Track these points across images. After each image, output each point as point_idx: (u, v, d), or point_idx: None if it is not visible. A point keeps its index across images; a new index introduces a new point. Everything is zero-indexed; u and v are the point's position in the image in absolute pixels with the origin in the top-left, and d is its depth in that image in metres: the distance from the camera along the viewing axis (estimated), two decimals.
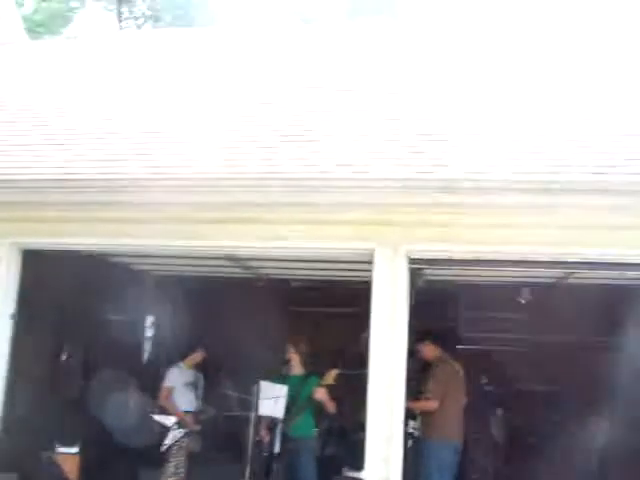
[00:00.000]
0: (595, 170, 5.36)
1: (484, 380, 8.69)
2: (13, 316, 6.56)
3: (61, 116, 7.22)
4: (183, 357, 8.23)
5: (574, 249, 5.71)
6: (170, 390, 7.99)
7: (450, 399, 7.02)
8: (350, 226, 5.96)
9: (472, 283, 8.16)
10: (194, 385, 8.13)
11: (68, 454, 7.04)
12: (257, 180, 5.77)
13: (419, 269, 6.60)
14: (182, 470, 7.65)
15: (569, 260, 5.98)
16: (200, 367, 8.26)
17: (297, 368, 7.54)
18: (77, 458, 7.05)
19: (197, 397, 8.13)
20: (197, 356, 8.19)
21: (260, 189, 5.78)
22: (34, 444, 7.21)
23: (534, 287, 8.09)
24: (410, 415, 7.04)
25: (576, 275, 7.14)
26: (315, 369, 7.46)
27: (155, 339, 10.02)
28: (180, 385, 8.03)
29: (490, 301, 8.42)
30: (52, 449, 7.06)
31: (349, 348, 8.04)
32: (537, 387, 8.90)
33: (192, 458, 7.51)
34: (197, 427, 7.97)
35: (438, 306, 8.14)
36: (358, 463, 5.99)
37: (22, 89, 8.33)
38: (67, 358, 8.35)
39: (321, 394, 7.21)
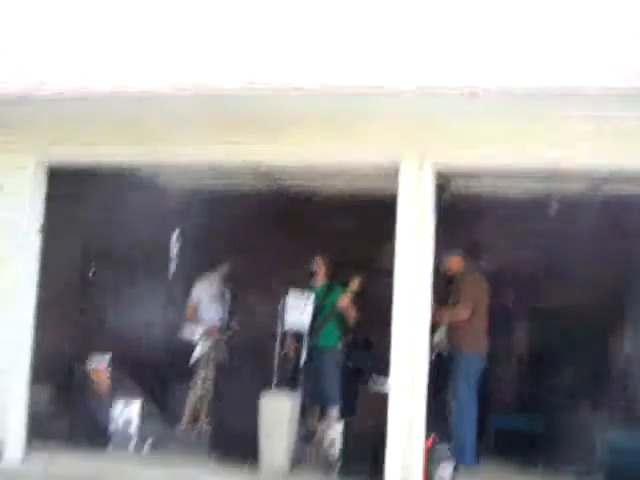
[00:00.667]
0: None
1: (508, 294, 8.68)
2: (41, 230, 6.64)
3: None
4: (209, 271, 8.29)
5: (607, 160, 5.63)
6: (196, 303, 8.10)
7: (477, 310, 7.04)
8: (375, 138, 5.91)
9: (499, 197, 8.08)
10: (221, 298, 8.22)
11: (99, 367, 7.18)
12: (277, 91, 5.67)
13: (445, 182, 6.57)
14: (210, 382, 7.81)
15: (600, 171, 5.91)
16: (226, 280, 8.32)
17: (322, 280, 7.64)
18: (107, 371, 7.20)
19: (224, 310, 8.23)
20: (222, 269, 8.25)
21: (281, 100, 5.71)
22: (66, 358, 7.41)
23: (563, 200, 7.99)
24: (436, 326, 7.11)
25: (607, 187, 7.05)
26: (339, 281, 7.51)
27: (181, 254, 10.09)
28: (206, 298, 8.13)
29: (517, 215, 8.35)
30: (83, 363, 7.20)
31: (374, 261, 8.05)
32: (562, 302, 8.88)
33: (219, 370, 7.64)
34: (224, 339, 8.10)
35: (464, 220, 8.08)
36: (384, 374, 6.08)
37: None
38: (94, 274, 8.44)
39: (344, 301, 7.31)
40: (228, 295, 8.34)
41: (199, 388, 7.93)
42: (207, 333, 7.97)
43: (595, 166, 5.81)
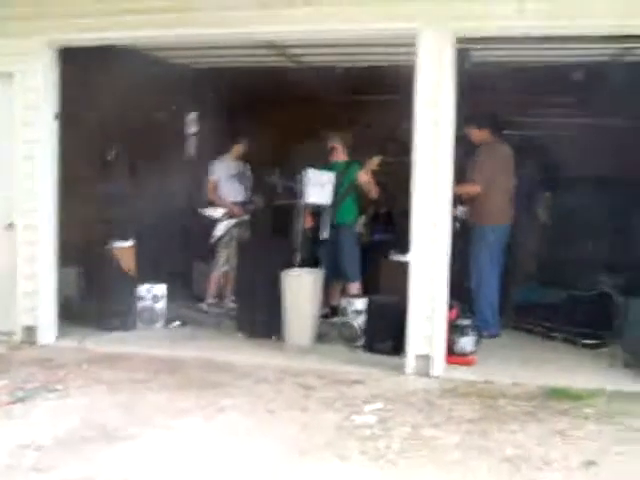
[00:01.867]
0: None
1: (532, 164, 8.55)
2: (57, 115, 6.57)
3: None
4: (226, 149, 8.22)
5: (634, 21, 5.37)
6: (216, 182, 8.08)
7: (498, 183, 6.93)
8: (395, 5, 5.68)
9: (521, 65, 7.83)
10: (240, 176, 8.19)
11: (123, 247, 7.26)
12: None
13: (466, 49, 6.34)
14: (233, 260, 7.90)
15: (627, 34, 5.66)
16: (245, 158, 8.26)
17: (341, 156, 7.55)
18: (132, 251, 7.28)
19: (244, 188, 8.22)
20: (240, 147, 8.17)
21: None
22: (91, 240, 7.48)
23: (587, 67, 7.72)
24: (459, 200, 7.06)
25: (634, 52, 6.78)
26: (358, 157, 7.43)
27: (199, 133, 10.00)
28: (225, 177, 8.10)
29: (540, 83, 8.11)
30: (108, 243, 7.28)
31: (393, 135, 7.91)
32: (585, 172, 8.75)
33: (242, 247, 7.70)
34: (246, 217, 8.13)
35: (486, 90, 7.85)
36: (405, 247, 6.09)
37: None
38: (114, 156, 8.41)
39: (364, 177, 7.25)
40: (248, 173, 8.30)
41: (222, 266, 8.04)
42: (229, 212, 7.99)
43: (624, 28, 5.54)
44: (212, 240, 7.96)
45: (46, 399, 5.02)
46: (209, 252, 8.09)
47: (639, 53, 6.82)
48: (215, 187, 8.08)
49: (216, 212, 7.95)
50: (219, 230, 7.93)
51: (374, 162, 7.22)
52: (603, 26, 5.49)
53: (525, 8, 5.39)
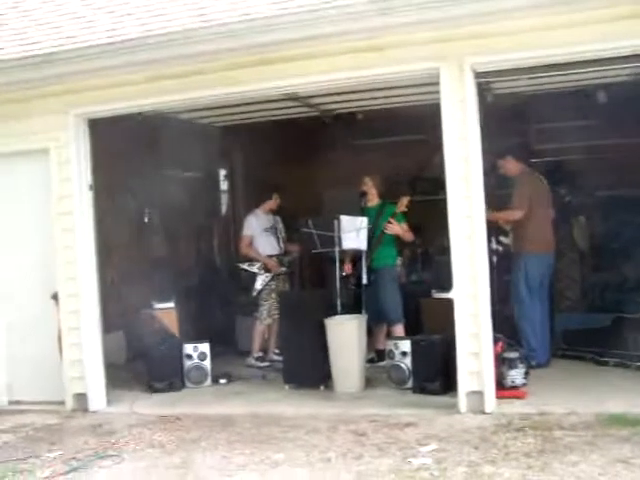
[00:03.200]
0: None
1: (563, 191, 8.52)
2: (91, 187, 6.72)
3: None
4: (258, 204, 8.32)
5: None
6: (250, 238, 8.14)
7: (539, 210, 6.93)
8: (411, 47, 5.76)
9: (542, 93, 7.85)
10: (273, 229, 8.26)
11: (165, 309, 7.34)
12: (307, 13, 5.59)
13: (486, 83, 6.39)
14: (275, 312, 7.93)
15: None
16: (277, 211, 8.34)
17: (374, 199, 7.60)
18: (174, 312, 7.35)
19: (279, 240, 8.28)
20: (272, 201, 8.25)
21: (311, 22, 5.62)
22: (134, 304, 7.58)
23: (607, 89, 7.71)
24: (502, 232, 7.05)
25: None
26: (391, 199, 7.47)
27: (230, 191, 10.14)
28: (259, 231, 8.16)
29: (562, 109, 8.11)
30: (150, 307, 7.36)
31: (423, 174, 7.97)
32: (618, 192, 8.69)
33: (283, 298, 7.71)
34: (282, 269, 8.18)
35: (509, 121, 7.90)
36: (445, 285, 6.07)
37: None
38: (149, 219, 8.55)
39: (392, 229, 7.29)
40: (281, 226, 8.38)
41: (265, 318, 8.06)
42: (265, 266, 8.04)
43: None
44: (253, 294, 8.00)
45: (101, 466, 5.04)
46: (251, 306, 8.12)
47: None
48: (250, 242, 8.14)
49: (253, 266, 8.00)
50: (258, 284, 7.98)
51: (403, 203, 7.25)
52: (624, 47, 5.49)
53: (528, 42, 5.44)
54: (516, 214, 6.89)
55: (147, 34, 6.05)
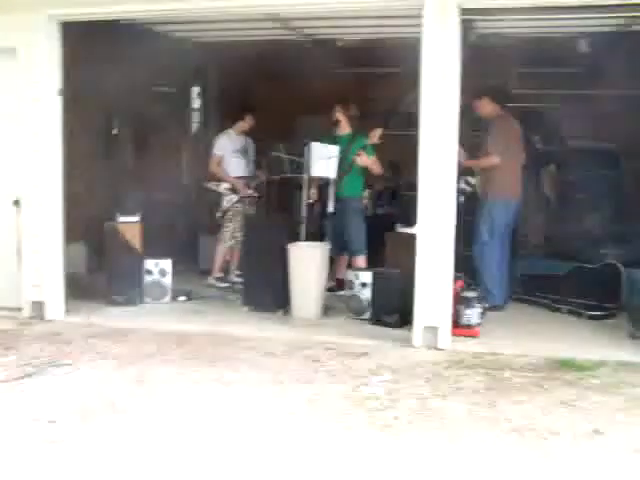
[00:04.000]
0: None
1: (536, 138, 8.52)
2: (61, 91, 6.55)
3: None
4: (231, 124, 8.19)
5: None
6: (220, 157, 8.04)
7: (511, 156, 6.91)
8: None
9: (526, 37, 7.79)
10: (244, 151, 8.17)
11: (129, 223, 7.26)
12: None
13: (470, 21, 6.30)
14: (239, 234, 7.91)
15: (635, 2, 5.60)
16: (249, 132, 8.23)
17: (345, 129, 7.53)
18: (138, 226, 7.28)
19: (248, 162, 8.20)
20: (244, 122, 8.13)
21: None
22: (97, 215, 7.49)
23: (592, 38, 7.66)
24: (468, 173, 7.05)
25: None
26: (363, 130, 7.41)
27: (202, 109, 9.97)
28: (230, 152, 8.06)
29: (545, 56, 8.07)
30: (114, 219, 7.28)
31: (397, 108, 7.90)
32: (591, 145, 8.73)
33: (248, 221, 7.70)
34: (250, 192, 8.12)
35: (491, 62, 7.82)
36: (411, 220, 6.09)
37: None
38: (118, 132, 8.40)
39: (362, 160, 7.24)
40: (252, 148, 8.29)
41: (227, 240, 8.04)
42: (233, 187, 7.98)
43: None
44: (218, 214, 7.96)
45: (55, 374, 5.05)
46: (215, 226, 8.09)
47: None
48: (219, 162, 8.05)
49: (220, 186, 7.94)
50: (223, 204, 7.93)
51: (375, 134, 7.18)
52: None
53: None
54: (492, 160, 6.87)
55: None
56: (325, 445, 3.92)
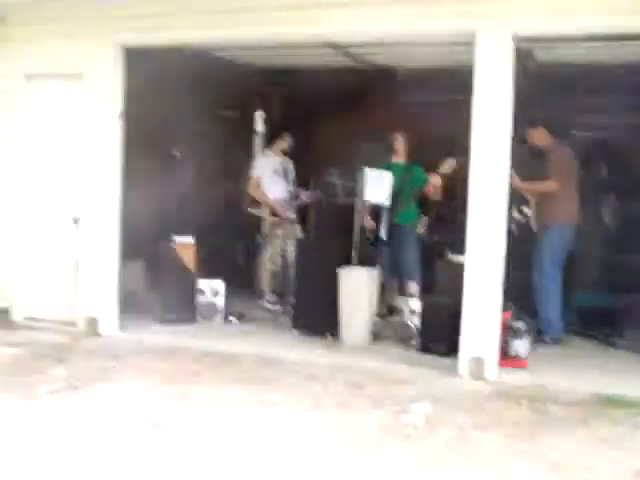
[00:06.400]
0: None
1: (598, 168, 8.35)
2: (122, 114, 6.76)
3: None
4: (269, 144, 8.15)
5: None
6: (258, 180, 7.94)
7: (568, 183, 6.82)
8: (451, 4, 5.65)
9: (588, 64, 7.64)
10: (284, 172, 8.03)
11: (185, 244, 7.40)
12: None
13: (527, 49, 6.25)
14: (280, 258, 7.91)
15: None
16: (288, 153, 8.11)
17: (402, 157, 7.52)
18: (192, 247, 7.41)
19: (288, 184, 8.06)
20: (282, 142, 8.04)
21: None
22: (154, 235, 7.65)
23: None
24: (524, 201, 6.98)
25: None
26: (419, 159, 7.39)
27: (265, 133, 10.09)
28: (269, 173, 7.94)
29: (609, 84, 7.90)
30: (170, 239, 7.43)
31: (457, 137, 7.83)
32: None
33: (300, 244, 7.70)
34: (291, 215, 8.02)
35: (550, 90, 7.71)
36: (462, 248, 6.03)
37: None
38: (179, 154, 8.57)
39: (436, 180, 7.12)
40: (291, 168, 8.13)
41: (267, 265, 8.00)
42: (272, 211, 7.91)
43: None
44: (259, 238, 7.99)
45: (101, 388, 5.18)
46: (257, 250, 8.13)
47: None
48: (258, 184, 7.94)
49: (260, 211, 7.92)
50: (264, 228, 7.95)
51: (446, 166, 7.06)
52: None
53: (574, 9, 5.29)
54: (552, 185, 6.79)
55: None
56: (355, 473, 3.89)
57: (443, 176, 7.13)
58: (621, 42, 6.29)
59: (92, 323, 6.75)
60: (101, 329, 6.74)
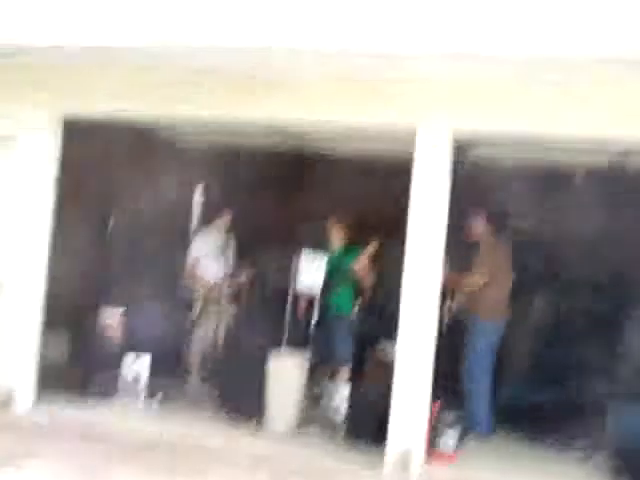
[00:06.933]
0: None
1: (529, 265, 8.51)
2: (58, 180, 6.63)
3: None
4: (209, 222, 8.12)
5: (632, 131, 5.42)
6: (196, 260, 7.83)
7: (495, 279, 6.92)
8: (392, 101, 5.78)
9: (523, 166, 7.89)
10: (223, 249, 7.92)
11: (113, 315, 7.19)
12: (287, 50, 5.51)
13: (463, 149, 6.42)
14: (209, 339, 7.73)
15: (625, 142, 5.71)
16: (230, 230, 8.02)
17: (338, 242, 7.55)
18: (120, 318, 7.21)
19: (227, 261, 7.94)
20: (224, 220, 7.96)
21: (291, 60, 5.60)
22: (82, 305, 7.44)
23: (587, 172, 7.75)
24: (456, 292, 7.03)
25: (633, 160, 6.82)
26: (356, 243, 7.44)
27: (202, 210, 10.04)
28: (207, 252, 7.85)
29: (538, 185, 8.14)
30: (96, 313, 7.22)
31: (391, 225, 7.91)
32: (585, 276, 8.68)
33: (228, 326, 7.59)
34: (227, 295, 7.87)
35: (485, 188, 7.90)
36: (394, 336, 6.01)
37: None
38: (113, 225, 8.44)
39: (359, 266, 7.22)
40: (232, 245, 8.03)
41: (196, 344, 7.82)
42: (208, 291, 7.79)
43: (619, 137, 5.60)
44: (191, 317, 7.82)
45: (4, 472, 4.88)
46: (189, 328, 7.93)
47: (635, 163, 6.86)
48: (195, 264, 7.82)
49: (193, 291, 7.80)
50: (196, 308, 7.80)
51: (371, 247, 7.21)
52: (603, 134, 5.53)
53: (523, 114, 5.48)
54: (479, 279, 6.87)
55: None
56: None
57: (367, 258, 7.21)
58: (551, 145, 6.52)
59: (6, 395, 6.42)
60: (15, 403, 6.42)
